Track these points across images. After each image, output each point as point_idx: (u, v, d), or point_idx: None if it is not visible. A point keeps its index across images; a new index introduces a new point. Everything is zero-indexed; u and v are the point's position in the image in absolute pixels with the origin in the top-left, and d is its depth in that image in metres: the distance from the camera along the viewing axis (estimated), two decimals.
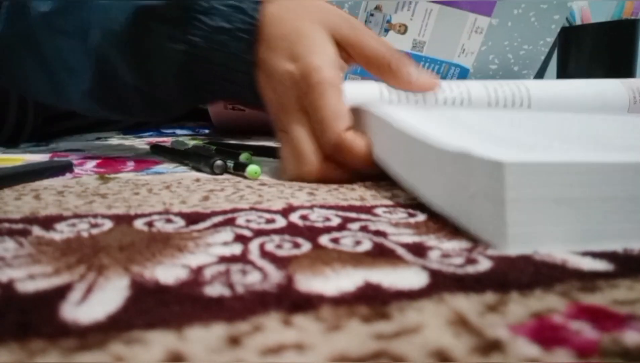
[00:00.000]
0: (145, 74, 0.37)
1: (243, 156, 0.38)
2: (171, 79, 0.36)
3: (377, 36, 0.32)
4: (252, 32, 0.32)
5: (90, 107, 0.42)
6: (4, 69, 0.43)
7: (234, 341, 0.11)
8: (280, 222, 0.21)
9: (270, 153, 0.41)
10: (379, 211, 0.23)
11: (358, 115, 0.30)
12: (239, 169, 0.33)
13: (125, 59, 0.37)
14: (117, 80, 0.38)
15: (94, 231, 0.20)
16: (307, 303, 0.13)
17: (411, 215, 0.22)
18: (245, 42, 0.32)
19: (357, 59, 0.32)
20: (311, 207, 0.24)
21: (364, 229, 0.20)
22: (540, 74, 0.77)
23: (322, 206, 0.24)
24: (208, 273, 0.15)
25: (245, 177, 0.33)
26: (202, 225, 0.21)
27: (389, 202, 0.25)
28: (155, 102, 0.39)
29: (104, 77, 0.39)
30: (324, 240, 0.19)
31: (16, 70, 0.43)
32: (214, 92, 0.37)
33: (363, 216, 0.22)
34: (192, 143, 0.49)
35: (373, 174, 0.29)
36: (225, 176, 0.34)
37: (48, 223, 0.21)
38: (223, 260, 0.17)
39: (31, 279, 0.15)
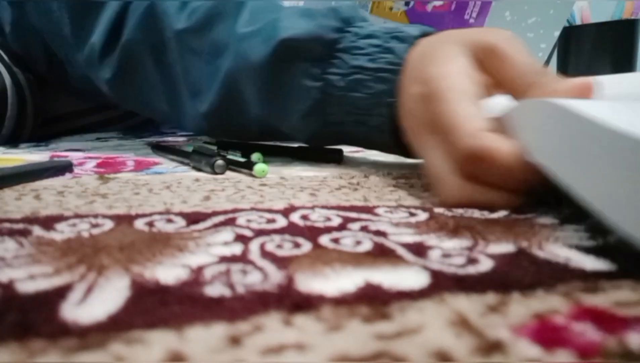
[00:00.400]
0: (275, 108, 0.35)
1: (255, 156, 0.38)
2: (300, 116, 0.35)
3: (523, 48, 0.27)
4: (397, 73, 0.30)
5: (202, 127, 0.41)
6: (123, 73, 0.42)
7: (235, 341, 0.11)
8: (281, 222, 0.21)
9: (274, 152, 0.41)
10: (380, 210, 0.23)
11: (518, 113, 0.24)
12: (247, 166, 0.33)
13: (256, 89, 0.35)
14: (240, 107, 0.37)
15: (95, 231, 0.20)
16: (307, 303, 0.13)
17: (412, 214, 0.22)
18: (388, 83, 0.30)
19: (497, 66, 0.26)
20: (312, 207, 0.24)
21: (364, 229, 0.20)
22: None
23: (323, 207, 0.24)
24: (208, 273, 0.15)
25: (251, 175, 0.33)
26: (202, 225, 0.21)
27: (391, 202, 0.25)
28: (275, 134, 0.38)
29: (227, 102, 0.37)
30: (324, 239, 0.19)
31: (135, 77, 0.42)
32: (342, 134, 0.35)
33: (364, 216, 0.22)
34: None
35: (541, 191, 0.23)
36: (226, 175, 0.33)
37: (48, 223, 0.21)
38: (223, 259, 0.17)
39: (31, 279, 0.15)
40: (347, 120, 0.33)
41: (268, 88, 0.35)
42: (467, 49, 0.27)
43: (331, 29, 0.33)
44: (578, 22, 0.62)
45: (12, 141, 0.57)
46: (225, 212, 0.23)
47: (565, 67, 0.63)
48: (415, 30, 0.31)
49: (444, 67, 0.26)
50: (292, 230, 0.20)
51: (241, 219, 0.21)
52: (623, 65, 0.59)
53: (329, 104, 0.33)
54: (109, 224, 0.21)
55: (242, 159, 0.35)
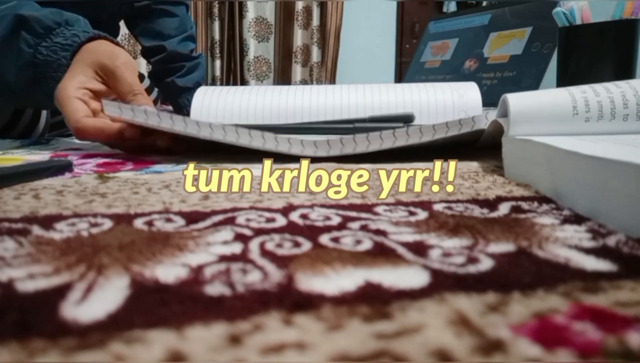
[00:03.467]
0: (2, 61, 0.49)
1: None
2: (17, 70, 0.48)
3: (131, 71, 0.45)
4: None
5: None
6: None
7: (235, 340, 0.11)
8: (281, 221, 0.21)
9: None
10: (379, 209, 0.23)
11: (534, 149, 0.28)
12: None
13: None
14: None
15: (94, 230, 0.20)
16: (307, 303, 0.13)
17: (412, 213, 0.22)
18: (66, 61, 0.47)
19: (113, 82, 0.45)
20: (311, 206, 0.24)
21: (364, 228, 0.20)
22: (539, 75, 0.77)
23: (322, 206, 0.24)
24: (208, 272, 0.15)
25: None
26: (202, 224, 0.21)
27: (390, 200, 0.25)
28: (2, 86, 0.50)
29: None
30: (324, 239, 0.19)
31: None
32: (42, 92, 0.48)
33: (363, 215, 0.22)
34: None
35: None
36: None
37: (48, 222, 0.21)
38: (223, 259, 0.17)
39: (31, 278, 0.15)
40: (48, 75, 0.48)
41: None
42: (91, 69, 0.45)
43: (53, 21, 0.48)
44: (578, 22, 0.62)
45: (24, 137, 0.58)
46: (224, 211, 0.23)
47: (566, 67, 0.63)
48: (84, 36, 0.47)
49: (67, 81, 0.44)
50: (291, 229, 0.20)
51: (240, 219, 0.21)
52: (623, 65, 0.59)
53: (36, 65, 0.48)
54: (108, 224, 0.21)
55: None
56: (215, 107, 0.51)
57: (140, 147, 0.43)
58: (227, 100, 0.51)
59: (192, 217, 0.22)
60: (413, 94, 0.52)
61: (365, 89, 0.53)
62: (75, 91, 0.44)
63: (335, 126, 0.46)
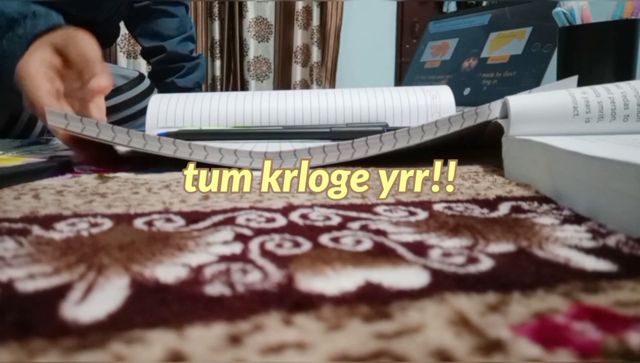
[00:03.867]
0: None
1: None
2: None
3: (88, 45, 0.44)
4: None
5: None
6: None
7: (235, 340, 0.11)
8: (281, 221, 0.21)
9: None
10: (379, 209, 0.23)
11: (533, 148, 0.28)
12: None
13: None
14: None
15: (94, 230, 0.20)
16: (307, 303, 0.13)
17: (412, 213, 0.22)
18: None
19: (69, 59, 0.44)
20: (311, 206, 0.24)
21: (364, 228, 0.20)
22: (539, 75, 0.77)
23: (322, 205, 0.24)
24: (208, 272, 0.15)
25: None
26: (202, 224, 0.21)
27: (390, 200, 0.25)
28: None
29: None
30: (324, 239, 0.19)
31: None
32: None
33: (363, 214, 0.22)
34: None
35: None
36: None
37: (48, 222, 0.21)
38: (223, 259, 0.17)
39: (31, 278, 0.15)
40: (7, 68, 0.46)
41: None
42: (47, 46, 0.44)
43: (17, 12, 0.47)
44: (578, 22, 0.62)
45: (23, 136, 0.58)
46: (224, 211, 0.23)
47: (566, 67, 0.63)
48: (44, 25, 0.47)
49: (27, 56, 0.43)
50: (291, 229, 0.20)
51: (240, 219, 0.21)
52: (623, 65, 0.59)
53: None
54: (108, 224, 0.21)
55: None
56: (174, 113, 0.47)
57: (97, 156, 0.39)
58: (187, 104, 0.48)
59: (192, 217, 0.22)
60: (385, 98, 0.50)
61: (336, 93, 0.50)
62: (39, 65, 0.42)
63: (309, 130, 0.43)
